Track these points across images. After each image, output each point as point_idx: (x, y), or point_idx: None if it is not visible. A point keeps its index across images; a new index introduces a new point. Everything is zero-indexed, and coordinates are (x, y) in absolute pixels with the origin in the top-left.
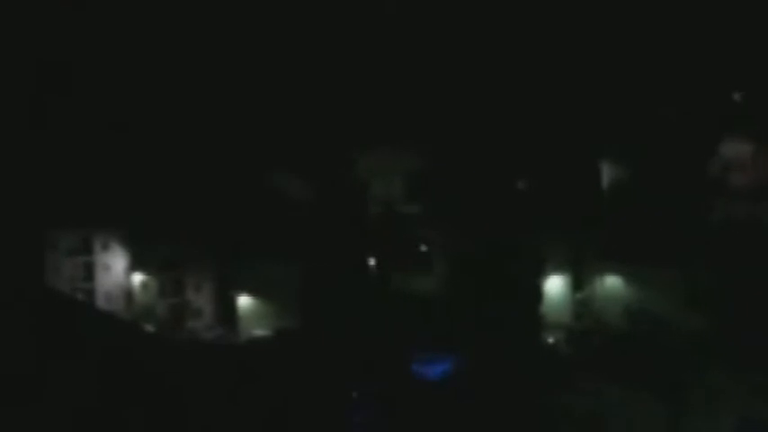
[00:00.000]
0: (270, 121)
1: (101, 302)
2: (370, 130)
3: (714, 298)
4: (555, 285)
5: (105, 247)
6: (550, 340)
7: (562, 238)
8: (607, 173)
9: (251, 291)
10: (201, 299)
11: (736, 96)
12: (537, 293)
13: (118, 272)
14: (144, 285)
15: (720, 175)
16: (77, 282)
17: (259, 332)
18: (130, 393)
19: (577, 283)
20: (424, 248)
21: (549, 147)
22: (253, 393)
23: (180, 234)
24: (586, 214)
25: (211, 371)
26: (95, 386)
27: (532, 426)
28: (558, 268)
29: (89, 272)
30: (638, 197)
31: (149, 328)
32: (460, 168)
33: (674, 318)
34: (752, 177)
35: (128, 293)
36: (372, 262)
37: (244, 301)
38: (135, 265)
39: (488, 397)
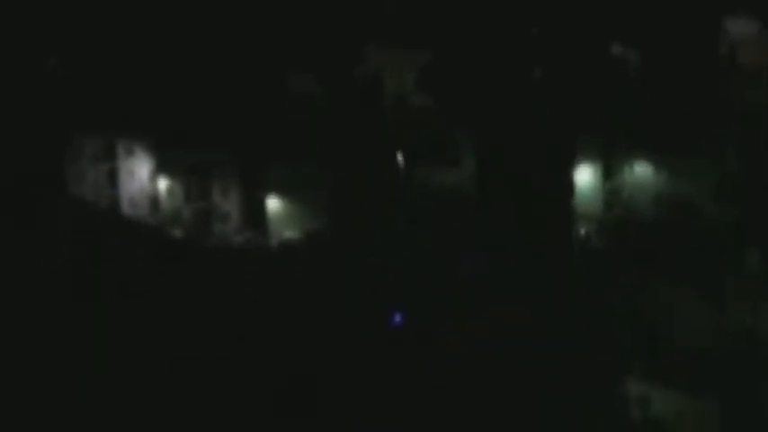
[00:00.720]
0: (284, 20)
1: (126, 209)
2: (379, 25)
3: (743, 186)
4: (585, 176)
5: (129, 153)
6: (582, 232)
7: (592, 128)
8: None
9: (280, 193)
10: (228, 203)
11: None
12: (569, 185)
13: (142, 178)
14: (169, 191)
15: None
16: (101, 189)
17: (289, 234)
18: (160, 299)
19: (607, 173)
20: (450, 143)
21: (564, 34)
22: (286, 295)
23: (206, 138)
24: (614, 103)
25: (243, 273)
26: (124, 292)
27: (578, 325)
28: (587, 158)
29: (113, 178)
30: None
31: (176, 233)
32: (474, 59)
33: (705, 206)
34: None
35: (153, 199)
36: (400, 158)
37: (273, 203)
38: (160, 171)
39: (528, 295)
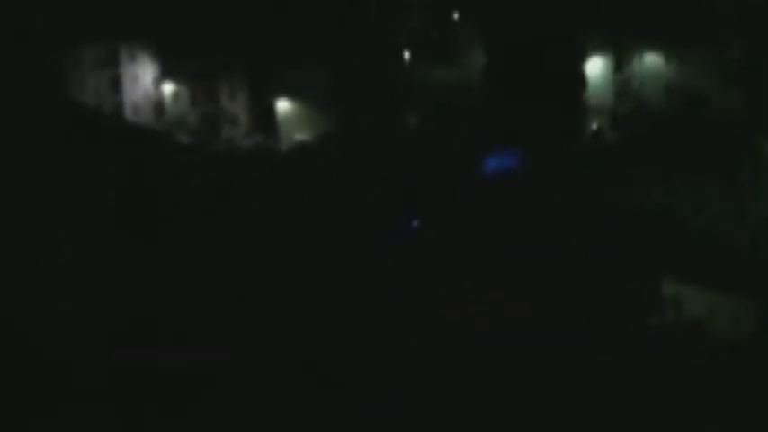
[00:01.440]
0: None
1: (128, 115)
2: None
3: (752, 72)
4: (595, 67)
5: (132, 59)
6: (594, 126)
7: (601, 18)
8: None
9: (290, 94)
10: (236, 106)
11: None
12: (581, 78)
13: (146, 83)
14: (175, 95)
15: None
16: (103, 96)
17: (300, 137)
18: (167, 207)
19: (618, 64)
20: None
21: None
22: (301, 200)
23: (211, 42)
24: None
25: (256, 177)
26: (128, 200)
27: (606, 223)
28: (597, 49)
29: (115, 85)
30: None
31: (182, 138)
32: None
33: (715, 94)
34: None
35: (157, 105)
36: (407, 55)
37: (283, 105)
38: (165, 76)
39: (553, 194)
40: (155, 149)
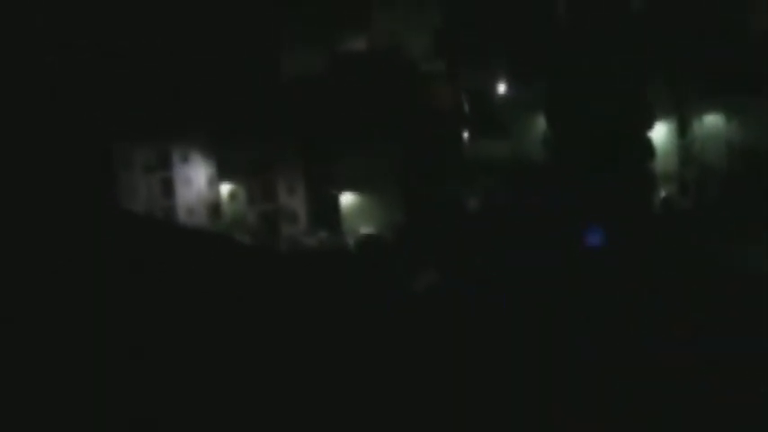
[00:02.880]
0: None
1: (182, 219)
2: None
3: None
4: (659, 133)
5: (185, 160)
6: (662, 194)
7: (663, 79)
8: None
9: (352, 186)
10: (296, 201)
11: None
12: (649, 146)
13: (200, 184)
14: (232, 195)
15: None
16: (155, 201)
17: (366, 230)
18: (232, 316)
19: (682, 128)
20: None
21: None
22: (374, 296)
23: (266, 134)
24: (683, 48)
25: (327, 276)
26: (191, 310)
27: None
28: (661, 114)
29: (168, 188)
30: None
31: (241, 239)
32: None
33: None
34: None
35: (214, 206)
36: (466, 134)
37: (344, 198)
38: (220, 175)
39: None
40: (214, 254)
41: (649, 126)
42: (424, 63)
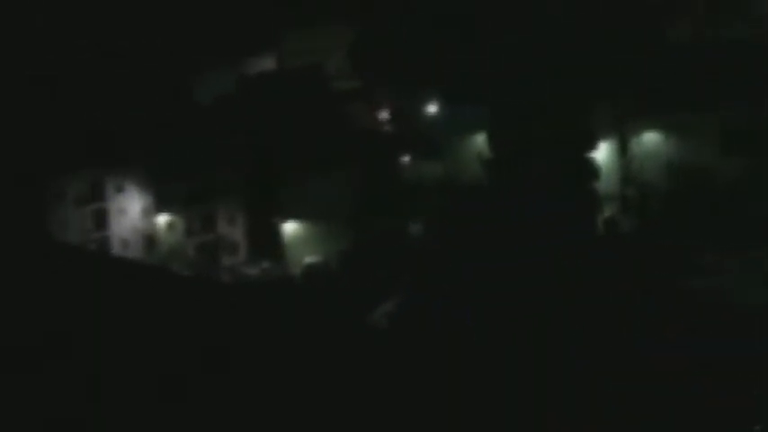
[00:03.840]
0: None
1: (117, 251)
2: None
3: (752, 138)
4: (600, 153)
5: (119, 190)
6: (605, 215)
7: (605, 99)
8: None
9: (295, 215)
10: (236, 231)
11: None
12: (592, 168)
13: (134, 215)
14: (170, 225)
15: None
16: (88, 232)
17: (310, 259)
18: (170, 349)
19: (623, 147)
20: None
21: None
22: (319, 326)
23: (206, 163)
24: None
25: (274, 307)
26: (126, 345)
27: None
28: (602, 133)
29: (101, 220)
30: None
31: (179, 271)
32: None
33: (717, 166)
34: None
35: (149, 238)
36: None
37: (289, 227)
38: (158, 206)
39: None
40: (149, 286)
41: (593, 146)
42: (338, 81)
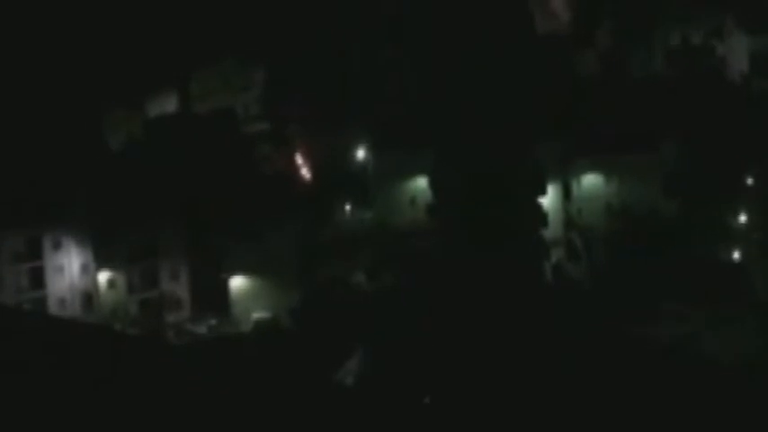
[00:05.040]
0: None
1: (54, 310)
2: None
3: (689, 179)
4: (546, 198)
5: (57, 247)
6: (553, 260)
7: (549, 143)
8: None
9: (242, 270)
10: (180, 287)
11: None
12: (540, 213)
13: (73, 273)
14: (110, 283)
15: None
16: (24, 292)
17: (258, 315)
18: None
19: (566, 191)
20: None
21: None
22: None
23: (147, 219)
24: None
25: (220, 368)
26: (66, 411)
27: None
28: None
29: (38, 278)
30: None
31: (120, 329)
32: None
33: (657, 207)
34: None
35: (87, 296)
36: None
37: (235, 282)
38: (98, 263)
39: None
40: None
41: (544, 190)
42: (248, 124)
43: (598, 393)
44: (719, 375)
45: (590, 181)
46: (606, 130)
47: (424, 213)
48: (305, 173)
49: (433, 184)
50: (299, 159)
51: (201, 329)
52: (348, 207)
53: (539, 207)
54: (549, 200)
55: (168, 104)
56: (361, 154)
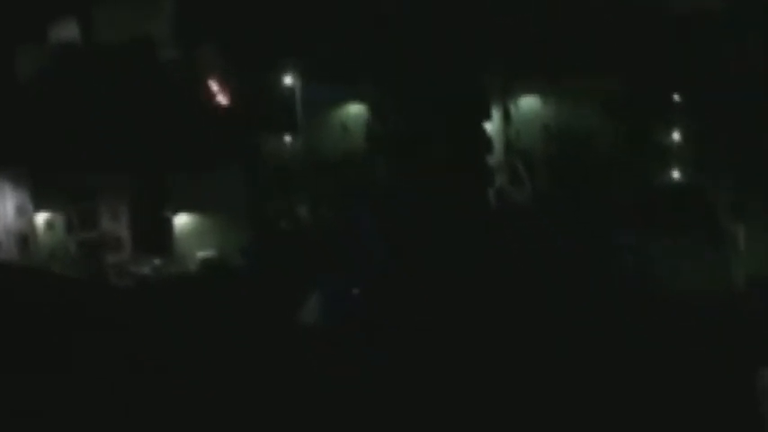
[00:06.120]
0: None
1: None
2: None
3: (629, 103)
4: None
5: None
6: (496, 185)
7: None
8: None
9: (187, 207)
10: (120, 227)
11: None
12: (485, 138)
13: (7, 215)
14: (49, 225)
15: None
16: None
17: (204, 254)
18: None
19: (506, 115)
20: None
21: None
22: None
23: (86, 158)
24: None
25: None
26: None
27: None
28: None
29: None
30: None
31: (62, 271)
32: None
33: (595, 132)
34: None
35: (24, 238)
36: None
37: (179, 221)
38: (37, 205)
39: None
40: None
41: (488, 115)
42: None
43: (551, 327)
44: (682, 313)
45: (527, 103)
46: (547, 55)
47: (356, 143)
48: (221, 99)
49: (374, 110)
50: (214, 86)
51: (145, 270)
52: (277, 137)
53: (484, 132)
54: (491, 125)
55: (68, 31)
56: (287, 81)
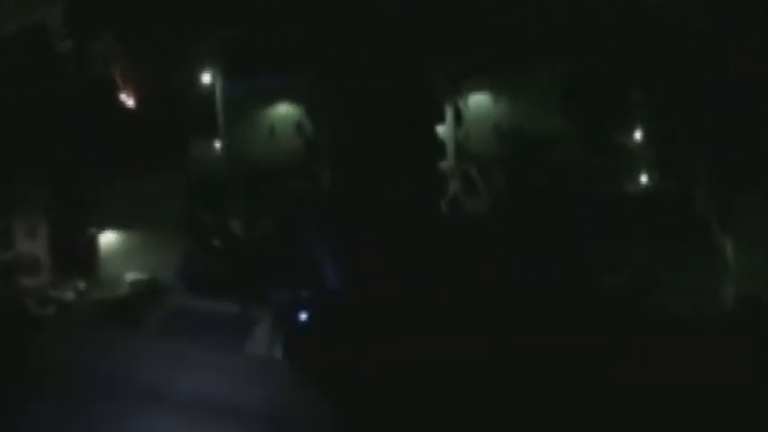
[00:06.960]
0: None
1: None
2: None
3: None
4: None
5: None
6: (450, 192)
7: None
8: None
9: (113, 223)
10: (37, 246)
11: None
12: (436, 142)
13: None
14: None
15: None
16: None
17: (133, 276)
18: None
19: (457, 116)
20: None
21: None
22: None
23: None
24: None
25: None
26: None
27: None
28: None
29: None
30: None
31: None
32: None
33: (552, 129)
34: None
35: None
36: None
37: (106, 239)
38: None
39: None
40: None
41: (441, 117)
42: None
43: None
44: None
45: (477, 102)
46: (497, 50)
47: (287, 147)
48: (128, 97)
49: (310, 112)
50: (119, 81)
51: (68, 295)
52: (204, 141)
53: (435, 136)
54: (443, 127)
55: None
56: (206, 78)
